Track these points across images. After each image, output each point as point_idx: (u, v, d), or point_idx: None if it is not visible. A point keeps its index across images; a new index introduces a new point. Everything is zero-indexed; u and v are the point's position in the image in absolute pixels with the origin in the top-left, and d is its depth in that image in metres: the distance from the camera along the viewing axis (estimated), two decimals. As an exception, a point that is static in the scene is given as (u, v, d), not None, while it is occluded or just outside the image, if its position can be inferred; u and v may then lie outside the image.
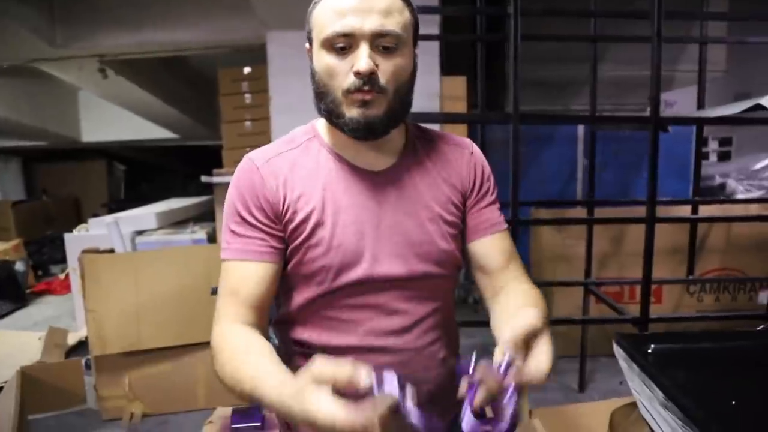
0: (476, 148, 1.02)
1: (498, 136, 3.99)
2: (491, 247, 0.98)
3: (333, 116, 0.86)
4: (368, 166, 0.92)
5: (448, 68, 3.79)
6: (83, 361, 3.03)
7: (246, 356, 0.78)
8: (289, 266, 0.91)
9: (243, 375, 0.75)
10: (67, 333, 3.65)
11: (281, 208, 0.88)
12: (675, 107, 4.63)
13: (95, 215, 5.85)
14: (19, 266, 5.30)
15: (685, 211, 3.00)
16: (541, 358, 0.71)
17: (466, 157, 0.99)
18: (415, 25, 0.88)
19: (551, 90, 4.74)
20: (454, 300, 1.04)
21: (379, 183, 0.91)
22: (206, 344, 2.84)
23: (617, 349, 1.21)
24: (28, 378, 2.77)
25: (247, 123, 4.18)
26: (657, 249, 3.14)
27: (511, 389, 0.66)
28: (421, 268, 0.91)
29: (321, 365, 0.62)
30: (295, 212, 0.88)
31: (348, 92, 0.82)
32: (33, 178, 10.47)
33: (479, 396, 0.66)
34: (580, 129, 4.25)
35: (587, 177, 2.93)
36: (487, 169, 1.02)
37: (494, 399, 0.67)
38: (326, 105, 0.86)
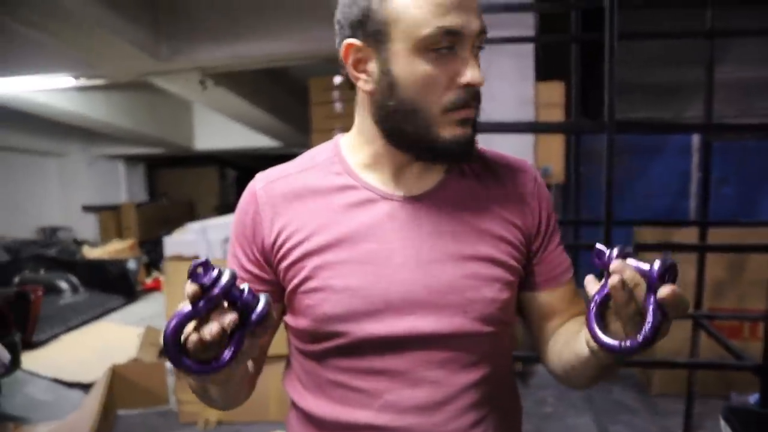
0: (539, 174, 0.81)
1: (599, 146, 3.66)
2: (562, 297, 0.79)
3: (422, 140, 0.68)
4: (402, 190, 0.73)
5: (545, 73, 3.54)
6: (167, 364, 3.16)
7: None
8: (288, 315, 0.76)
9: None
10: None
11: (273, 243, 0.73)
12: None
13: (205, 218, 6.24)
14: (131, 264, 5.73)
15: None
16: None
17: (529, 186, 0.78)
18: None
19: (663, 95, 4.28)
20: (512, 367, 0.83)
21: (412, 211, 0.72)
22: (279, 357, 2.80)
23: (725, 427, 0.97)
24: (118, 376, 2.94)
25: (337, 131, 4.18)
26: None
27: (652, 298, 0.53)
28: (460, 324, 0.70)
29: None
30: (290, 249, 0.72)
31: (448, 109, 0.66)
32: (155, 183, 11.44)
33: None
34: (696, 139, 3.79)
35: (701, 192, 2.56)
36: (551, 200, 0.81)
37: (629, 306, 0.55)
38: (414, 125, 0.67)
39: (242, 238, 0.75)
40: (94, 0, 3.19)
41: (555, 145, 3.55)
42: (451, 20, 0.63)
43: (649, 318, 0.53)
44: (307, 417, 0.76)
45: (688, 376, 2.57)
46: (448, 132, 0.67)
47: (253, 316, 0.52)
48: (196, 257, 3.37)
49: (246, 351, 0.54)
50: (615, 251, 0.56)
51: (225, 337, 0.52)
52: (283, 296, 0.75)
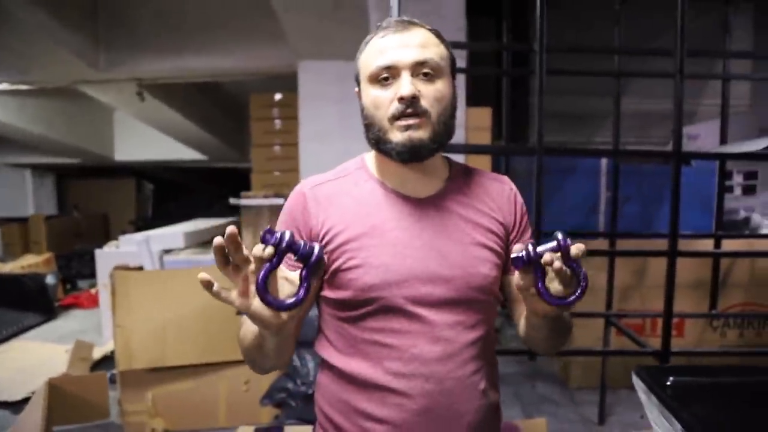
0: (513, 185, 1.06)
1: (521, 166, 4.04)
2: None
3: (380, 143, 0.92)
4: (413, 193, 0.96)
5: (474, 99, 3.88)
6: (108, 375, 3.10)
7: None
8: (329, 290, 0.93)
9: (242, 330, 0.90)
10: (93, 347, 3.74)
11: (320, 232, 0.93)
12: (698, 141, 4.62)
13: (123, 232, 6.04)
14: (50, 279, 5.46)
15: (708, 245, 2.98)
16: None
17: (506, 193, 1.02)
18: (452, 59, 0.96)
19: (574, 122, 4.78)
20: (494, 331, 1.04)
21: (423, 208, 0.94)
22: (229, 363, 2.90)
23: (636, 381, 1.23)
24: (55, 390, 2.83)
25: (276, 147, 4.30)
26: (680, 283, 3.14)
27: (573, 263, 0.77)
28: (465, 293, 0.92)
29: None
30: (335, 235, 0.92)
31: (393, 118, 0.89)
32: (65, 194, 10.79)
33: (556, 265, 0.75)
34: (603, 162, 4.27)
35: (610, 209, 2.95)
36: (524, 206, 1.06)
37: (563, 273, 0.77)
38: (374, 134, 0.92)
39: (292, 228, 0.95)
40: (37, 5, 3.13)
41: (483, 165, 3.88)
42: (386, 59, 0.89)
43: (582, 275, 0.77)
44: (341, 374, 0.95)
45: (601, 369, 2.94)
46: (395, 137, 0.90)
47: (312, 259, 0.72)
48: (141, 267, 3.36)
49: (311, 291, 0.74)
50: (531, 250, 0.77)
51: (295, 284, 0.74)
52: (322, 278, 0.94)
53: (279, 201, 3.68)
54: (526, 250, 0.77)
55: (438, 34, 0.94)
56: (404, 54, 0.88)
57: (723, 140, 2.86)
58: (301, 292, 0.72)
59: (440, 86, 0.90)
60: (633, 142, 4.73)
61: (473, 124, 3.79)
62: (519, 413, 3.02)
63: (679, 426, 1.01)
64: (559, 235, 0.76)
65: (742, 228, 4.73)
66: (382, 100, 0.89)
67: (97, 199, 10.79)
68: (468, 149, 2.96)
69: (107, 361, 3.74)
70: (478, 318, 0.95)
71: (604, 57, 2.78)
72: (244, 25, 3.90)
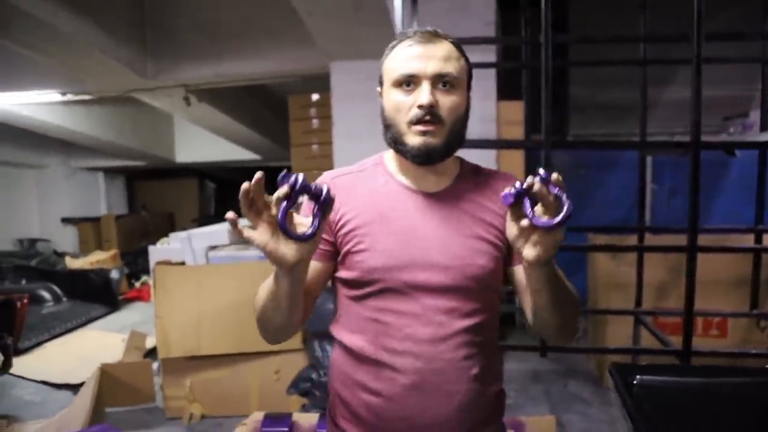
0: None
1: (556, 159, 3.95)
2: None
3: (398, 144, 0.99)
4: (423, 188, 1.04)
5: (511, 94, 3.83)
6: (155, 364, 3.33)
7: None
8: (342, 269, 1.03)
9: (259, 292, 0.97)
10: (146, 337, 4.00)
11: (336, 218, 1.02)
12: (755, 128, 4.33)
13: (184, 229, 6.38)
14: (114, 274, 5.85)
15: (749, 239, 2.82)
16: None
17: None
18: (469, 72, 1.03)
19: (619, 113, 4.61)
20: (497, 323, 1.09)
21: (430, 202, 1.02)
22: (260, 354, 3.03)
23: (610, 379, 1.23)
24: (106, 375, 3.08)
25: (314, 146, 4.42)
26: (723, 279, 3.02)
27: (556, 189, 0.83)
28: (460, 281, 0.98)
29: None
30: (348, 221, 1.01)
31: (411, 123, 0.96)
32: (134, 195, 11.51)
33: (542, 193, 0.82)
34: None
35: (655, 203, 2.86)
36: None
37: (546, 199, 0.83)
38: (392, 135, 1.00)
39: None
40: (87, 21, 3.39)
41: (517, 158, 3.84)
42: (410, 67, 0.96)
43: (563, 199, 0.82)
44: (349, 350, 1.04)
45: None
46: (411, 140, 0.97)
47: (322, 197, 0.80)
48: (183, 263, 3.57)
49: (323, 227, 0.83)
50: (518, 185, 0.84)
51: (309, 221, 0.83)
52: (337, 256, 1.03)
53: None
54: (514, 187, 0.84)
55: (459, 47, 1.02)
56: (427, 65, 0.96)
57: (764, 127, 2.70)
58: (315, 224, 0.81)
59: (456, 98, 0.98)
60: (681, 132, 4.50)
61: (505, 118, 3.75)
62: (546, 412, 2.98)
63: (631, 425, 1.01)
64: (540, 170, 0.83)
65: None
66: (403, 105, 0.96)
67: (163, 198, 11.44)
68: (477, 144, 2.92)
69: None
70: (474, 306, 1.00)
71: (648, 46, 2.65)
72: (276, 29, 4.05)
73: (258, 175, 0.78)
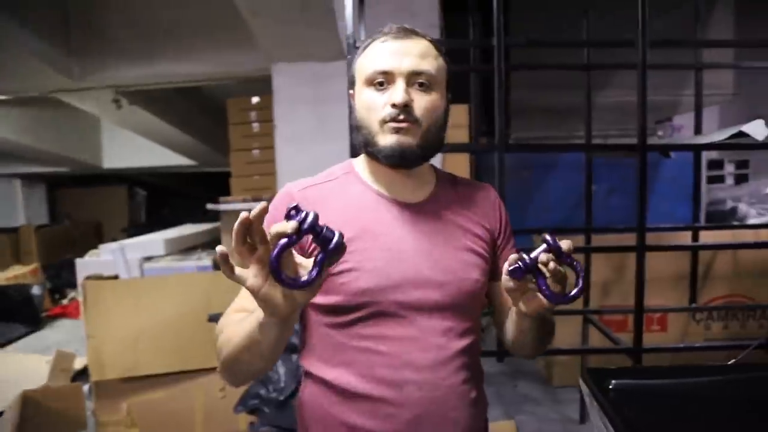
0: (497, 193, 1.09)
1: (507, 163, 4.00)
2: None
3: (369, 145, 0.93)
4: (403, 198, 0.97)
5: (455, 97, 3.84)
6: (86, 387, 3.07)
7: (231, 319, 0.87)
8: (318, 295, 0.88)
9: (228, 331, 0.83)
10: (74, 357, 3.71)
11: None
12: (683, 131, 4.58)
13: (114, 239, 6.02)
14: (36, 290, 5.42)
15: (687, 237, 2.95)
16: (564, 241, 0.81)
17: (491, 200, 1.05)
18: (448, 71, 0.97)
19: (557, 117, 4.75)
20: (479, 346, 1.03)
21: (414, 214, 0.95)
22: (204, 371, 2.85)
23: (582, 385, 1.20)
24: (29, 402, 2.81)
25: (255, 151, 4.26)
26: (663, 276, 3.13)
27: (568, 259, 0.80)
28: (456, 297, 0.92)
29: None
30: None
31: (384, 122, 0.90)
32: (57, 203, 10.77)
33: (552, 269, 0.79)
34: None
35: (594, 203, 2.92)
36: (507, 213, 1.07)
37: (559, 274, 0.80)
38: (364, 136, 0.93)
39: None
40: (2, 14, 3.11)
41: (462, 162, 3.85)
42: (383, 64, 0.90)
43: (578, 268, 0.80)
44: (330, 386, 0.92)
45: (581, 368, 2.90)
46: (384, 139, 0.90)
47: (331, 245, 0.67)
48: (116, 276, 3.33)
49: (324, 274, 0.69)
50: (527, 257, 0.80)
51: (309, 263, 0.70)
52: None
53: (257, 205, 3.65)
54: (521, 259, 0.79)
55: (437, 46, 0.96)
56: (402, 61, 0.90)
57: (698, 130, 2.83)
58: (314, 272, 0.68)
59: (433, 98, 0.92)
60: (616, 134, 4.69)
61: (450, 122, 3.76)
62: (500, 414, 2.98)
63: (612, 430, 0.98)
64: (547, 237, 0.79)
65: (729, 218, 4.70)
66: (375, 103, 0.91)
67: (89, 207, 10.75)
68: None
69: (89, 371, 3.71)
70: (468, 325, 0.95)
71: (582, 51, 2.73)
72: (216, 30, 3.87)
73: (261, 205, 0.66)
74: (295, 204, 0.67)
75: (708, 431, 0.96)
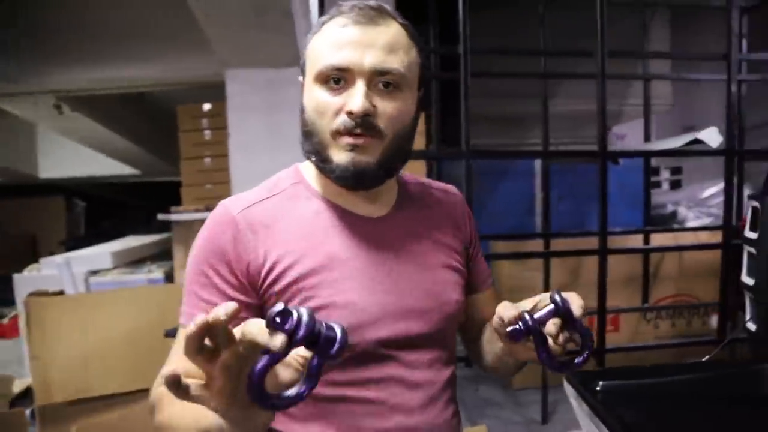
0: (461, 195, 0.99)
1: (455, 171, 4.06)
2: (489, 299, 0.96)
3: (319, 159, 0.77)
4: (365, 212, 0.82)
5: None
6: (28, 412, 2.87)
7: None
8: None
9: (168, 411, 0.66)
10: (13, 380, 3.46)
11: (261, 268, 0.76)
12: (626, 140, 4.79)
13: (52, 253, 5.68)
14: (-35, 309, 5.05)
15: (637, 240, 3.07)
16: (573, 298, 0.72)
17: (459, 205, 0.95)
18: (421, 66, 0.80)
19: (507, 124, 4.85)
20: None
21: (379, 230, 0.82)
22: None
23: (567, 387, 1.21)
24: (-34, 432, 2.61)
25: (207, 159, 4.14)
26: (614, 278, 3.22)
27: (577, 323, 0.71)
28: (438, 323, 0.82)
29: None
30: (283, 270, 0.76)
31: (337, 133, 0.74)
32: (-15, 216, 10.10)
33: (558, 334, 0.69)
34: (537, 163, 4.36)
35: (543, 209, 3.00)
36: (473, 218, 0.98)
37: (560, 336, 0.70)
38: (312, 146, 0.77)
39: (220, 264, 0.76)
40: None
41: (418, 168, 3.87)
42: (341, 58, 0.72)
43: (587, 333, 0.71)
44: None
45: (542, 369, 2.96)
46: (337, 156, 0.75)
47: (334, 349, 0.52)
48: (61, 292, 3.14)
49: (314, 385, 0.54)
50: (529, 319, 0.69)
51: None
52: None
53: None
54: (522, 319, 0.69)
55: (411, 32, 0.79)
56: (364, 56, 0.72)
57: (647, 138, 2.96)
58: (305, 386, 0.52)
59: (401, 103, 0.76)
60: (567, 142, 4.84)
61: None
62: (464, 419, 2.99)
63: (606, 431, 0.99)
64: (557, 297, 0.69)
65: (670, 221, 4.93)
66: (328, 107, 0.74)
67: (23, 219, 10.11)
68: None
69: (30, 394, 3.47)
70: (449, 352, 0.87)
71: (536, 60, 2.82)
72: (167, 33, 3.75)
73: (232, 306, 0.48)
74: (282, 307, 0.50)
75: (694, 426, 0.98)
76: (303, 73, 0.80)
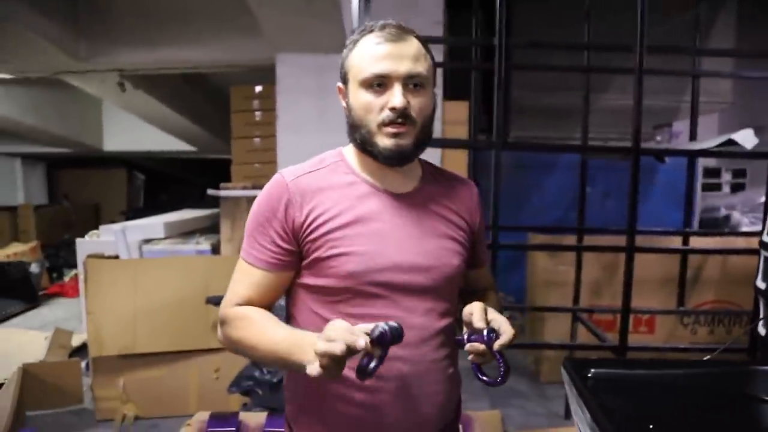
0: (476, 188, 1.17)
1: (505, 161, 4.06)
2: (482, 275, 1.19)
3: (367, 145, 0.98)
4: (392, 188, 1.02)
5: (455, 94, 3.88)
6: (83, 363, 3.14)
7: (252, 319, 0.96)
8: (310, 277, 0.99)
9: (249, 332, 0.94)
10: (72, 334, 3.77)
11: (303, 222, 0.97)
12: (681, 137, 4.63)
13: (113, 222, 6.05)
14: (34, 268, 5.48)
15: (679, 242, 3.01)
16: (504, 328, 0.92)
17: (472, 195, 1.14)
18: (435, 69, 1.02)
19: (556, 117, 4.79)
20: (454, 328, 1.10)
21: (401, 203, 1.02)
22: (200, 352, 2.91)
23: (563, 373, 1.26)
24: (28, 375, 2.88)
25: (256, 139, 4.30)
26: (652, 279, 3.19)
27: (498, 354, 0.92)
28: (439, 281, 1.00)
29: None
30: (318, 225, 0.96)
31: (383, 124, 0.95)
32: (56, 184, 10.77)
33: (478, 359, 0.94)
34: (582, 157, 4.29)
35: (589, 204, 2.98)
36: (483, 209, 1.17)
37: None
38: (361, 135, 0.98)
39: (274, 220, 0.98)
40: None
41: (460, 158, 3.90)
42: (380, 67, 0.94)
43: (500, 363, 0.93)
44: None
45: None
46: (383, 142, 0.96)
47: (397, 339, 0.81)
48: (116, 256, 3.38)
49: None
50: (465, 338, 0.95)
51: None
52: (299, 265, 1.00)
53: (257, 192, 3.70)
54: (462, 336, 0.95)
55: (424, 44, 1.00)
56: (399, 66, 0.94)
57: (693, 137, 2.88)
58: (375, 362, 0.80)
59: (426, 98, 0.97)
60: (615, 138, 4.74)
61: (450, 118, 3.80)
62: (487, 405, 3.05)
63: (588, 415, 1.04)
64: (485, 333, 0.91)
65: (722, 226, 4.76)
66: (374, 106, 0.95)
67: (88, 189, 10.76)
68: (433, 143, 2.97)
69: (86, 348, 3.77)
70: (447, 306, 1.04)
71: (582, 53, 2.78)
72: (221, 17, 3.90)
73: (363, 343, 0.77)
74: (379, 330, 0.79)
75: (679, 418, 1.02)
76: (344, 81, 1.01)
